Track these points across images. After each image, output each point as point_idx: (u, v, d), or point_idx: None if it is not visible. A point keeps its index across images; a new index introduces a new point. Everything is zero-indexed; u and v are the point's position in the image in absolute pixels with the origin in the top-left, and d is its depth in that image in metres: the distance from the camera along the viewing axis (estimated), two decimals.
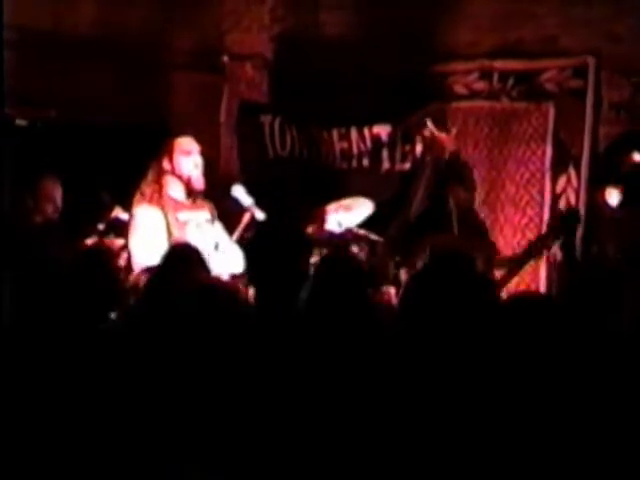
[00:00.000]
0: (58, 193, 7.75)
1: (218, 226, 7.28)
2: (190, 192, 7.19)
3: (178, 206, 7.18)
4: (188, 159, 7.10)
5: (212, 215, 7.33)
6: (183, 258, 5.42)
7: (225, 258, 6.98)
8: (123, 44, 9.62)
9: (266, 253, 6.22)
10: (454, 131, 9.13)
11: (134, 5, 9.72)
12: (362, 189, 9.05)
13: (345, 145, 9.77)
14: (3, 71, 7.21)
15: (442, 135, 8.88)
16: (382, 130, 9.65)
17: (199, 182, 7.13)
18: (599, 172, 8.96)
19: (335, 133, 9.78)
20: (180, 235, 7.00)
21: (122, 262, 7.08)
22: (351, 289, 4.87)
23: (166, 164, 7.10)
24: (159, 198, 7.17)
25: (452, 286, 4.74)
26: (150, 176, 7.24)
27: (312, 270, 5.38)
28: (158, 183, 7.21)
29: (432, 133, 8.99)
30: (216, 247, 7.11)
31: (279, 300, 5.13)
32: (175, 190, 7.14)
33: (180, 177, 7.08)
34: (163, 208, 7.12)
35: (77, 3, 9.54)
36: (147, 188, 7.23)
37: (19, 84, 8.57)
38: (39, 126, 9.49)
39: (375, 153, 9.69)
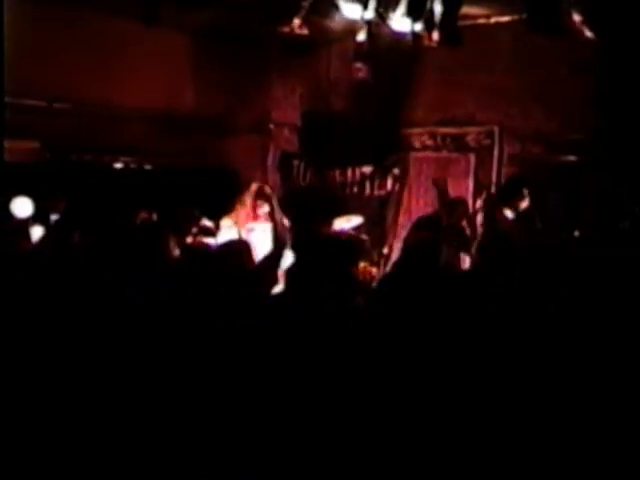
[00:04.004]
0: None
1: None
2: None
3: (252, 217, 8.56)
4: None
5: (274, 227, 8.50)
6: (231, 248, 5.95)
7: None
8: (205, 118, 11.01)
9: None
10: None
11: (215, 92, 11.11)
12: (353, 207, 10.44)
13: (342, 179, 11.36)
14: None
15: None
16: (366, 169, 11.26)
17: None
18: (500, 197, 9.56)
19: (337, 172, 11.43)
20: (246, 237, 8.11)
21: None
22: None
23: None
24: (236, 214, 8.62)
25: (419, 270, 5.64)
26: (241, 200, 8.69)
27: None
28: (245, 204, 8.63)
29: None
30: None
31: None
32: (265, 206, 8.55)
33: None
34: (237, 218, 8.54)
35: (179, 92, 10.85)
36: (236, 207, 8.66)
37: (140, 143, 10.28)
38: (138, 170, 10.54)
39: (361, 184, 11.23)
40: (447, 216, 9.56)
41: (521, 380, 4.35)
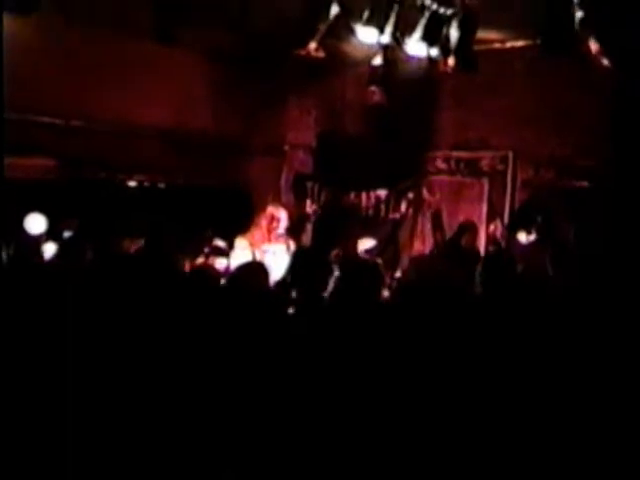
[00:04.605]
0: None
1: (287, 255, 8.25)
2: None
3: (267, 239, 8.69)
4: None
5: (288, 248, 8.66)
6: (249, 270, 5.98)
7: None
8: (220, 138, 10.92)
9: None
10: (438, 195, 10.80)
11: (230, 113, 10.91)
12: (368, 228, 10.54)
13: (357, 201, 11.47)
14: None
15: (430, 198, 10.69)
16: (381, 193, 11.40)
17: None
18: (514, 221, 10.21)
19: (352, 194, 11.51)
20: (261, 258, 8.28)
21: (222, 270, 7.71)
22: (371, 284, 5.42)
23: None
24: (251, 235, 8.77)
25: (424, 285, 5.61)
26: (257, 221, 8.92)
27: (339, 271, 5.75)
28: (259, 226, 8.82)
29: (424, 196, 10.76)
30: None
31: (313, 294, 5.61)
32: (279, 228, 8.76)
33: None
34: (252, 239, 8.67)
35: (194, 112, 10.66)
36: (252, 228, 8.84)
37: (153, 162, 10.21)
38: (151, 189, 10.47)
39: (376, 207, 11.39)
40: (442, 241, 9.89)
41: (520, 394, 4.37)
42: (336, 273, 5.66)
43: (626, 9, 7.91)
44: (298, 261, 6.12)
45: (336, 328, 4.78)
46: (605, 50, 7.85)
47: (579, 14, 8.11)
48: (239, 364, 4.50)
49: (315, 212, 10.12)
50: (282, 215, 8.83)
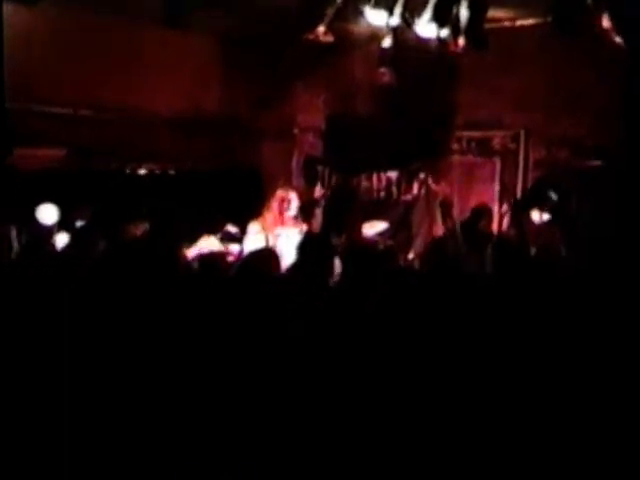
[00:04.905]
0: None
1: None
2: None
3: (280, 222, 8.69)
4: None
5: (301, 231, 8.62)
6: (260, 257, 6.01)
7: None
8: (229, 123, 11.05)
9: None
10: (443, 184, 10.49)
11: (240, 97, 11.10)
12: (378, 212, 10.47)
13: (368, 184, 11.46)
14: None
15: (436, 187, 10.47)
16: (392, 175, 11.35)
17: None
18: (526, 200, 9.97)
19: (363, 177, 11.48)
20: (274, 242, 8.38)
21: (232, 258, 7.72)
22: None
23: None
24: (264, 219, 8.76)
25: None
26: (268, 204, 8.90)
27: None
28: (271, 209, 8.78)
29: (430, 185, 10.55)
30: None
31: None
32: (290, 210, 8.75)
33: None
34: (265, 223, 8.67)
35: (206, 95, 10.84)
36: (265, 212, 8.83)
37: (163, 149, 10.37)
38: (162, 176, 10.57)
39: (388, 189, 11.38)
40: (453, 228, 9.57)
41: (522, 382, 4.41)
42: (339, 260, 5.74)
43: None
44: (305, 247, 6.05)
45: (343, 314, 4.80)
46: (618, 27, 7.78)
47: None
48: (247, 358, 4.51)
49: (324, 196, 10.03)
50: (292, 196, 8.85)
